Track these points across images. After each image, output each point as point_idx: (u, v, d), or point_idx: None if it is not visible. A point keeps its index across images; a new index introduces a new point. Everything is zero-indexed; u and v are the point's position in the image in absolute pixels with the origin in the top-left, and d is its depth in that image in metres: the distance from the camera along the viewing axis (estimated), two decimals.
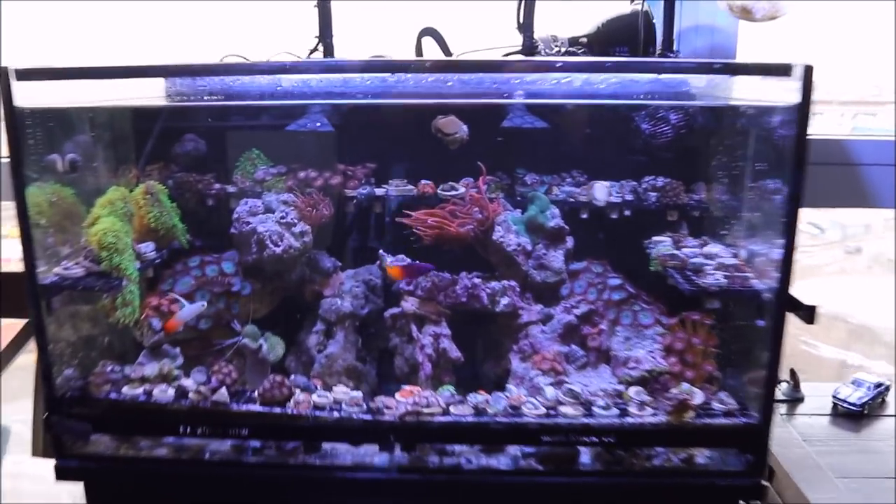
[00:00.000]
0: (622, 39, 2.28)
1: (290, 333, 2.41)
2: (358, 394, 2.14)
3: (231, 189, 2.46)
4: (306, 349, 2.38)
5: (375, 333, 2.46)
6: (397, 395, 2.10)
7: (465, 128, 2.24)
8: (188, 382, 2.16)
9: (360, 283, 2.46)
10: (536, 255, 2.44)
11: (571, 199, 2.44)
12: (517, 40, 2.20)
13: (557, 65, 2.03)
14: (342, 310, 2.36)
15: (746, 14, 2.13)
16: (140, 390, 2.12)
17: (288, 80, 2.12)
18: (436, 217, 2.37)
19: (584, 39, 2.29)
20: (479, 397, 2.12)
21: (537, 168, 2.53)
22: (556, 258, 2.45)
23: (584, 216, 2.42)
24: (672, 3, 2.28)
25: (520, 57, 2.19)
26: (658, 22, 2.31)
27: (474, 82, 2.11)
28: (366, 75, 2.05)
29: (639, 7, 2.27)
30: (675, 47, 2.33)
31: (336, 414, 2.08)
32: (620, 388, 2.16)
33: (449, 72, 2.03)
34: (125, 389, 2.12)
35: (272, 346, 2.35)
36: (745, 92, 2.14)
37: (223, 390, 2.09)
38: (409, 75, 1.99)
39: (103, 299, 2.12)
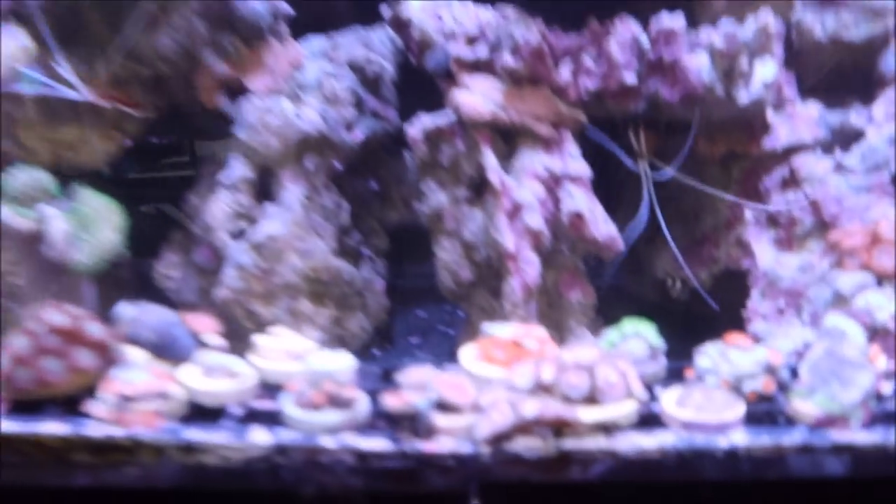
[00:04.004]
0: None
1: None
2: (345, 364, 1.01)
3: None
4: (202, 225, 1.25)
5: (381, 192, 1.41)
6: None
7: None
8: None
9: (341, 61, 1.31)
10: None
11: None
12: None
13: None
14: (299, 127, 1.22)
15: None
16: None
17: None
18: None
19: None
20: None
21: None
22: None
23: None
24: None
25: None
26: None
27: None
28: None
29: None
30: None
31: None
32: None
33: None
34: None
35: (83, 221, 1.00)
36: None
37: None
38: None
39: None
